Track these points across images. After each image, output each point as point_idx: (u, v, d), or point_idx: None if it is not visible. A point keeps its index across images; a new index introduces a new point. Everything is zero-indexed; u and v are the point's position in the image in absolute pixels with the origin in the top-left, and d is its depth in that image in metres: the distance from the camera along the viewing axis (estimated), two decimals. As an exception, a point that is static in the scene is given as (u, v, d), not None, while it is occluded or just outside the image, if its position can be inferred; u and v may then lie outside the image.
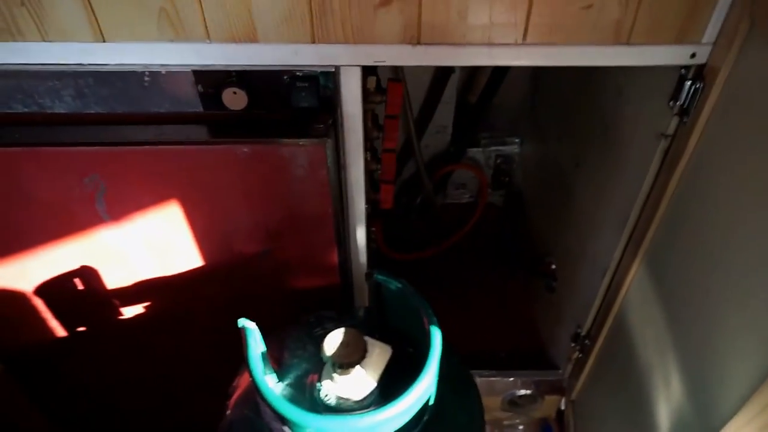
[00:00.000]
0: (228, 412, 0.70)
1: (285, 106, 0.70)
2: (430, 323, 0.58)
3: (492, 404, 1.24)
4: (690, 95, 0.69)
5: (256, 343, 0.58)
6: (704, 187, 0.68)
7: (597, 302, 1.00)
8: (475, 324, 1.36)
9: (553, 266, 1.25)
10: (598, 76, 0.96)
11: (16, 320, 0.89)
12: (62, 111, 0.71)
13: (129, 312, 0.89)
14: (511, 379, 1.19)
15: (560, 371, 1.19)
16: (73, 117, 0.71)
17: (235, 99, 0.68)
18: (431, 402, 0.60)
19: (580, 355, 1.09)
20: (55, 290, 0.85)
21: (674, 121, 0.73)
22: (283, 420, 0.52)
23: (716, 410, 0.60)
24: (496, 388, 1.21)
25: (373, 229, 1.22)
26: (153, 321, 0.89)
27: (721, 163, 0.65)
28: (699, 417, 0.65)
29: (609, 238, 0.93)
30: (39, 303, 0.87)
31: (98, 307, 0.88)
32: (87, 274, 0.83)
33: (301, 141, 0.69)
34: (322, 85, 0.69)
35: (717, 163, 0.66)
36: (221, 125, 0.71)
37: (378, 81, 0.76)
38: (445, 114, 1.38)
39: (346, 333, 0.61)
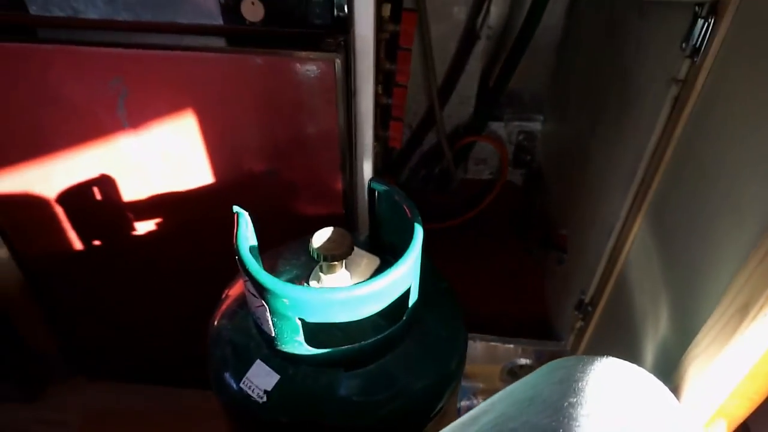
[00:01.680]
0: (217, 317, 0.72)
1: (301, 21, 0.72)
2: (414, 220, 0.59)
3: (491, 373, 1.23)
4: (702, 33, 0.69)
5: (246, 229, 0.60)
6: (708, 128, 0.68)
7: (602, 266, 0.99)
8: (484, 294, 1.36)
9: (566, 238, 1.24)
10: (620, 31, 0.96)
11: (36, 228, 0.94)
12: (94, 17, 0.75)
13: (143, 227, 0.93)
14: (512, 346, 1.18)
15: (563, 342, 1.17)
16: (103, 22, 0.75)
17: (253, 10, 0.71)
18: (411, 304, 0.61)
19: (582, 324, 1.08)
20: (74, 199, 0.89)
21: (686, 63, 0.73)
22: (261, 292, 0.54)
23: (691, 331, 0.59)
24: (497, 355, 1.20)
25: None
26: (165, 237, 0.93)
27: (727, 101, 0.64)
28: (678, 346, 0.64)
29: (617, 197, 0.92)
30: (59, 211, 0.91)
31: (115, 218, 0.92)
32: (106, 183, 0.87)
33: (312, 54, 0.71)
34: (337, 4, 0.72)
35: (723, 101, 0.65)
36: (239, 37, 0.74)
37: (393, 9, 0.78)
38: (468, 84, 1.39)
39: (334, 231, 0.63)
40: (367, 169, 0.88)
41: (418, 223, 0.59)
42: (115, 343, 1.18)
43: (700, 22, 0.68)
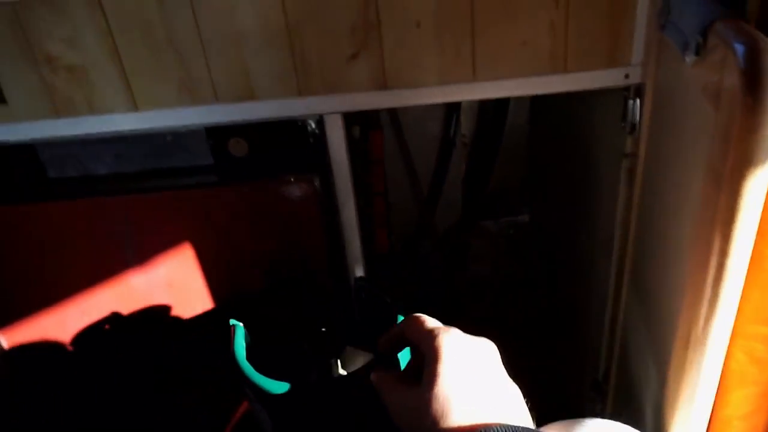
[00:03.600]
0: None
1: (280, 151, 0.82)
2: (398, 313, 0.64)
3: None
4: (635, 112, 0.77)
5: (243, 339, 0.64)
6: (655, 192, 0.73)
7: (605, 341, 0.99)
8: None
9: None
10: (573, 121, 1.05)
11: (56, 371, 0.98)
12: (103, 172, 0.86)
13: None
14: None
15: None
16: (111, 175, 0.86)
17: (238, 147, 0.81)
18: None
19: (601, 405, 1.05)
20: (88, 339, 0.94)
21: (630, 139, 0.81)
22: (254, 389, 0.57)
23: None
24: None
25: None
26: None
27: (665, 165, 0.71)
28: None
29: (602, 271, 0.96)
30: (75, 353, 0.96)
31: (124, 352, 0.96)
32: (116, 319, 0.93)
33: (293, 177, 0.80)
34: (311, 131, 0.82)
35: (661, 166, 0.72)
36: (228, 171, 0.84)
37: (361, 130, 0.88)
38: (453, 190, 1.48)
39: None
40: (358, 275, 0.93)
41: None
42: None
43: (630, 103, 0.77)
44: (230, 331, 0.65)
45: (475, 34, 0.74)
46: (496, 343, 0.49)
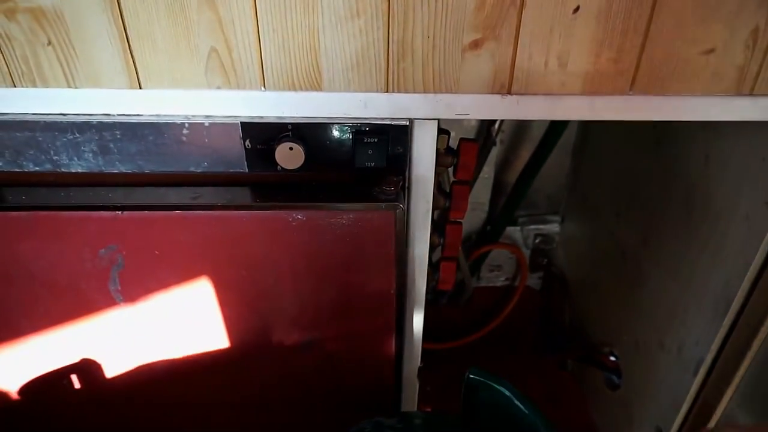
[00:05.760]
0: None
1: (347, 165, 0.59)
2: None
3: None
4: (820, 156, 0.60)
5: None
6: None
7: (687, 402, 0.85)
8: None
9: (613, 358, 1.10)
10: (675, 141, 0.87)
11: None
12: (79, 170, 0.59)
13: (137, 420, 0.72)
14: (578, 496, 1.00)
15: (636, 486, 1.00)
16: (92, 177, 0.60)
17: (290, 156, 0.57)
18: None
19: (665, 469, 0.92)
20: (43, 391, 0.69)
21: (793, 187, 0.63)
22: None
23: None
24: None
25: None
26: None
27: None
28: None
29: (702, 327, 0.80)
30: (23, 406, 0.70)
31: (98, 413, 0.71)
32: (86, 370, 0.68)
33: (369, 206, 0.57)
34: (392, 142, 0.59)
35: None
36: (269, 187, 0.60)
37: (448, 141, 0.66)
38: (482, 190, 1.28)
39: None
40: (417, 324, 0.72)
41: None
42: None
43: (816, 143, 0.59)
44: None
45: (649, 31, 0.53)
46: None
